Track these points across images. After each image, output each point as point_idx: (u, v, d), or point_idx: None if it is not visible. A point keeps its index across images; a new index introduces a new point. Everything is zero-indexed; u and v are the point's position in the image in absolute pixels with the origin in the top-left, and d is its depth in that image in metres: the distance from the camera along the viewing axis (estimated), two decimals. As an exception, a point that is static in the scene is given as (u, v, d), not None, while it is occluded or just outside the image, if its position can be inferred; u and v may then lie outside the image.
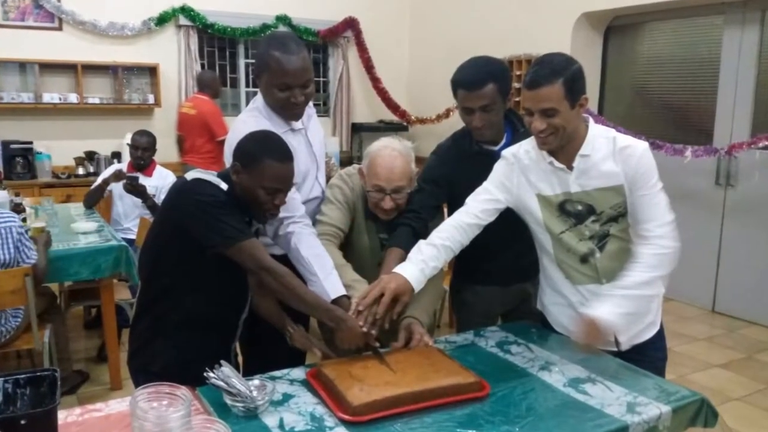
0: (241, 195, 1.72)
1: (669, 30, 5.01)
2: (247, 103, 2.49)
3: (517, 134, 2.03)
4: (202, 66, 6.27)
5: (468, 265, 2.19)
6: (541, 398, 1.55)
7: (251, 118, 1.98)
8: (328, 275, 1.85)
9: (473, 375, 1.59)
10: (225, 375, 1.46)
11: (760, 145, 4.09)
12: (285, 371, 1.68)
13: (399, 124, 7.05)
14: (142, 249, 1.90)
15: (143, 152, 4.04)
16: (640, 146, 1.71)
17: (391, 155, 1.97)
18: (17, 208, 3.48)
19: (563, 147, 1.72)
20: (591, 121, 1.77)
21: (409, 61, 7.34)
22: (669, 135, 4.78)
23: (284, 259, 1.88)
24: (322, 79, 7.13)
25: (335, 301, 1.80)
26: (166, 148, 5.53)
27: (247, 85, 6.72)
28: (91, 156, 5.81)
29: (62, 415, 1.39)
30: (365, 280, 1.92)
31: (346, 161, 6.45)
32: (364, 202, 2.08)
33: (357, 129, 7.10)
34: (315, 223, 2.04)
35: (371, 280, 1.85)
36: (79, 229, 3.43)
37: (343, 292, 1.84)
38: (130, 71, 5.98)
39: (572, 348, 1.78)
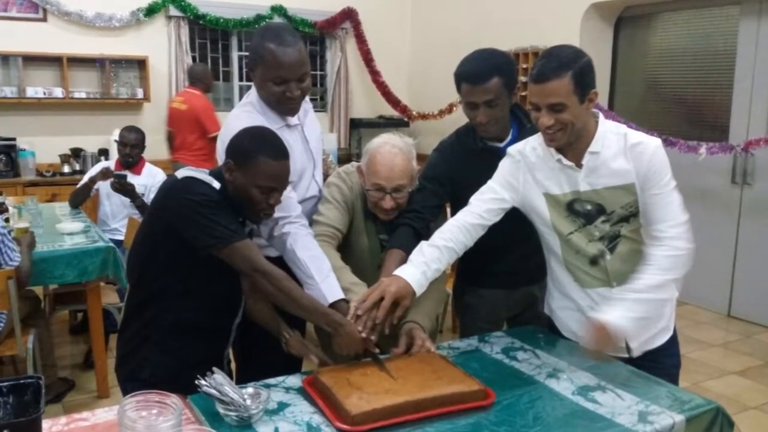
0: (235, 194, 1.70)
1: (682, 21, 4.93)
2: (241, 97, 2.47)
3: (523, 130, 2.02)
4: (194, 59, 6.22)
5: (472, 267, 2.17)
6: (548, 407, 1.53)
7: (245, 113, 1.96)
8: (325, 278, 1.82)
9: (477, 383, 1.56)
10: (217, 382, 1.44)
11: (778, 141, 4.01)
12: (280, 379, 1.66)
13: (399, 120, 7.01)
14: (130, 250, 1.88)
15: (132, 149, 4.00)
16: (653, 143, 1.69)
17: (392, 152, 1.95)
18: (-1, 208, 3.42)
19: (572, 144, 1.70)
20: (601, 116, 1.75)
21: (410, 54, 7.29)
22: (683, 131, 4.72)
23: (280, 261, 1.85)
24: (319, 72, 7.08)
25: (333, 305, 1.78)
26: (156, 145, 5.48)
27: (241, 79, 6.67)
28: (77, 153, 5.76)
29: (47, 425, 1.37)
30: (364, 283, 1.89)
31: (344, 158, 6.43)
32: (363, 202, 2.06)
33: (356, 125, 7.06)
34: (312, 223, 2.01)
35: (371, 282, 1.83)
36: (65, 230, 3.39)
37: (341, 295, 1.81)
38: (117, 64, 5.91)
39: (581, 354, 1.76)
